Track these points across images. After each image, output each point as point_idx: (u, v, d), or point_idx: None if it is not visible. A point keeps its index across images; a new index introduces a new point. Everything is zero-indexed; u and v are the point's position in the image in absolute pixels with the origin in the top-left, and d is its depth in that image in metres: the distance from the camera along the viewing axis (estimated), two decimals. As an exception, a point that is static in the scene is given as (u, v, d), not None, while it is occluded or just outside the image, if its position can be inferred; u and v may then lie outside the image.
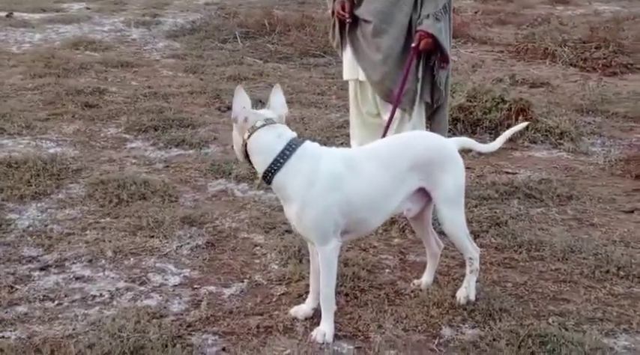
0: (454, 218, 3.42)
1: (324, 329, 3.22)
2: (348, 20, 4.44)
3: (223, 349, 3.15)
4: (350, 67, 4.59)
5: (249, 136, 3.13)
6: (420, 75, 4.39)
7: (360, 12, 4.40)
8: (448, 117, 4.82)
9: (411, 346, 3.21)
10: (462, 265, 3.66)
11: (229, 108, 6.88)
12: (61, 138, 6.09)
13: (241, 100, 3.15)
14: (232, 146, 3.37)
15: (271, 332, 3.28)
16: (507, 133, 3.73)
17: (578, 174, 5.65)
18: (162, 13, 13.37)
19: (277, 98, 3.26)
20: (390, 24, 4.31)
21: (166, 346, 3.07)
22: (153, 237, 4.23)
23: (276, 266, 3.95)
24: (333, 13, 4.53)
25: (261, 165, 3.14)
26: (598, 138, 6.63)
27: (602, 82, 8.49)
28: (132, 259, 3.98)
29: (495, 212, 4.71)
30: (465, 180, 3.45)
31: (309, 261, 3.79)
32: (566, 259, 4.09)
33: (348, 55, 4.57)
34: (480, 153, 5.21)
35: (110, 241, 4.14)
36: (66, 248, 4.07)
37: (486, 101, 6.57)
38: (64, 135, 6.16)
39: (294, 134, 3.21)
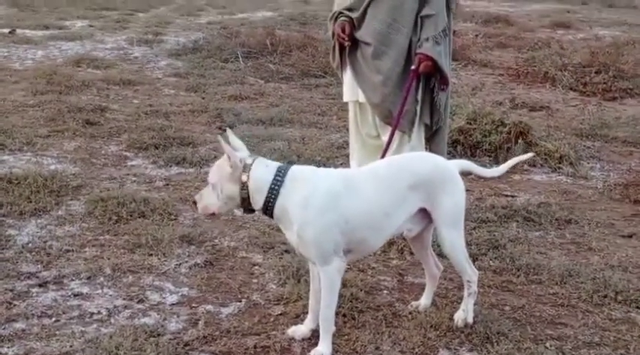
0: (454, 240, 3.42)
1: (322, 350, 3.21)
2: (347, 43, 4.45)
3: (220, 368, 3.15)
4: (350, 89, 4.61)
5: (248, 177, 3.10)
6: (419, 97, 4.41)
7: (360, 34, 4.43)
8: (447, 139, 4.83)
9: (408, 368, 3.21)
10: (460, 288, 3.66)
11: (230, 127, 6.96)
12: (61, 154, 6.11)
13: (228, 146, 3.11)
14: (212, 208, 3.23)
15: (268, 352, 3.27)
16: (513, 161, 3.73)
17: (577, 198, 5.66)
18: (165, 31, 13.47)
19: (237, 140, 3.22)
20: (390, 46, 4.34)
21: (163, 365, 3.08)
22: (152, 255, 4.23)
23: (274, 286, 3.94)
24: (333, 35, 4.55)
25: (259, 202, 3.13)
26: (597, 162, 6.66)
27: (601, 106, 8.56)
28: (130, 277, 3.98)
29: (494, 235, 4.71)
30: (465, 202, 3.46)
31: (307, 281, 3.80)
32: (564, 283, 4.09)
33: (348, 77, 4.60)
34: (479, 177, 5.22)
35: (109, 258, 4.15)
36: (65, 265, 4.07)
37: (486, 124, 6.60)
38: (64, 152, 6.18)
39: (275, 163, 3.21)
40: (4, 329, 3.37)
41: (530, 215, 5.10)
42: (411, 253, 4.12)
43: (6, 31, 12.59)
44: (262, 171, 3.12)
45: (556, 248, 4.64)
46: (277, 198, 3.10)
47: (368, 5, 4.36)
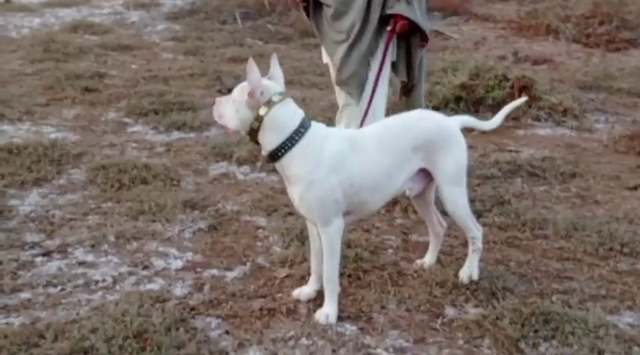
0: (456, 197, 3.39)
1: (328, 311, 3.21)
2: (301, 4, 4.41)
3: (226, 332, 3.13)
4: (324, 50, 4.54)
5: (267, 112, 3.01)
6: (394, 57, 4.33)
7: None
8: (424, 97, 4.73)
9: (414, 326, 3.20)
10: (465, 244, 3.65)
11: (230, 90, 6.89)
12: (61, 123, 6.07)
13: (255, 72, 2.99)
14: (225, 119, 3.14)
15: (274, 314, 3.27)
16: (507, 109, 3.65)
17: (582, 151, 5.62)
18: (162, -6, 13.31)
19: (277, 68, 3.16)
20: (350, 6, 4.23)
21: (169, 329, 3.06)
22: (155, 221, 4.22)
23: (278, 249, 3.94)
24: None
25: (272, 142, 3.05)
26: (602, 114, 6.61)
27: (605, 57, 8.46)
28: (134, 244, 3.97)
29: (498, 191, 4.69)
30: (467, 159, 3.41)
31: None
32: (570, 237, 4.07)
33: (321, 39, 4.51)
34: (482, 132, 5.18)
35: (112, 226, 4.13)
36: (68, 233, 4.06)
37: (489, 79, 6.54)
38: (64, 121, 6.14)
39: (302, 111, 3.15)
40: (10, 299, 3.37)
41: (535, 170, 5.08)
42: (415, 212, 4.10)
43: (1, -1, 12.48)
44: (287, 114, 3.05)
45: (561, 202, 4.62)
46: (292, 148, 3.04)
47: None
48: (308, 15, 4.50)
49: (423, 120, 3.42)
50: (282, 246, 3.97)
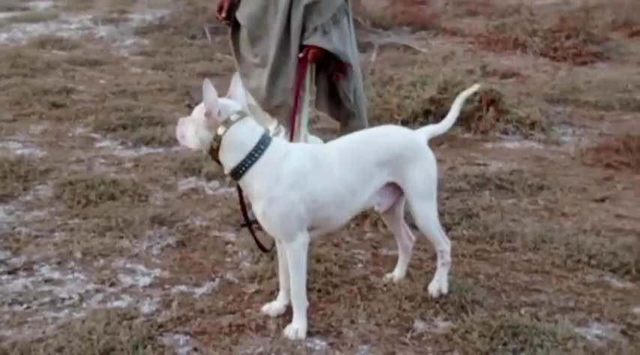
0: (427, 212, 3.38)
1: (297, 326, 3.20)
2: (223, 22, 4.27)
3: (195, 349, 3.11)
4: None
5: (225, 131, 3.03)
6: (310, 86, 4.20)
7: (238, 15, 4.21)
8: (419, 109, 4.67)
9: (384, 340, 3.20)
10: (435, 258, 3.65)
11: (197, 103, 6.87)
12: (28, 139, 6.00)
13: (212, 93, 3.01)
14: (186, 140, 3.19)
15: (244, 330, 3.25)
16: (458, 102, 3.59)
17: (550, 164, 5.67)
18: (130, 9, 13.22)
19: (238, 87, 3.18)
20: (265, 30, 4.11)
21: (137, 347, 3.03)
22: (122, 237, 4.18)
23: (247, 264, 3.91)
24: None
25: (232, 161, 3.06)
26: (569, 127, 6.67)
27: (572, 71, 8.56)
28: (101, 260, 3.92)
29: (467, 204, 4.71)
30: (436, 173, 3.41)
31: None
32: (538, 249, 4.10)
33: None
34: (451, 146, 5.20)
35: (79, 242, 4.08)
36: (34, 250, 4.00)
37: (457, 93, 6.52)
38: (31, 136, 6.07)
39: (262, 128, 3.16)
40: (-27, 318, 3.32)
41: (503, 182, 5.11)
42: (384, 226, 4.10)
43: (-33, 14, 12.33)
44: (245, 132, 3.05)
45: (529, 214, 4.65)
46: (252, 165, 3.04)
47: None
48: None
49: (388, 134, 3.42)
50: (251, 261, 3.95)
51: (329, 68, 4.13)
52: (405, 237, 3.66)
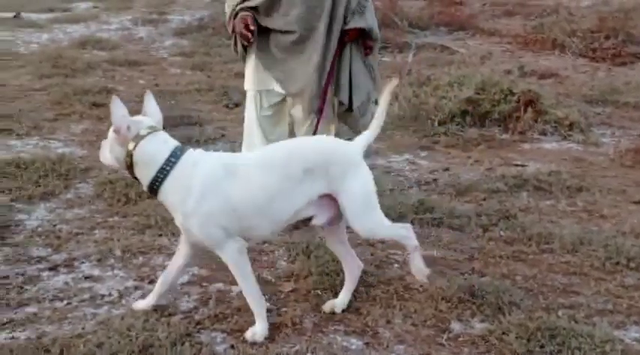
0: (371, 225, 3.16)
1: (255, 329, 3.16)
2: (252, 39, 4.14)
3: (232, 346, 3.13)
4: (259, 78, 4.32)
5: (135, 146, 2.99)
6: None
7: (275, 23, 4.14)
8: (456, 110, 4.62)
9: (420, 341, 3.19)
10: (471, 259, 3.64)
11: (237, 104, 6.93)
12: (69, 138, 6.11)
13: (120, 109, 2.98)
14: (106, 160, 3.16)
15: (280, 328, 3.27)
16: (385, 100, 3.28)
17: (588, 165, 5.62)
18: (169, 10, 13.40)
19: (151, 104, 3.15)
20: (311, 30, 4.09)
21: (175, 344, 3.06)
22: (161, 235, 4.23)
23: (284, 263, 3.93)
24: (233, 30, 4.20)
25: (146, 176, 3.02)
26: (608, 128, 6.60)
27: (611, 71, 8.45)
28: (140, 258, 3.97)
29: (505, 205, 4.69)
30: (373, 183, 3.18)
31: (317, 257, 3.81)
32: (576, 251, 4.06)
33: (253, 64, 4.32)
34: (489, 147, 5.17)
35: (119, 240, 4.14)
36: (75, 247, 4.07)
37: (495, 93, 6.55)
38: (72, 135, 6.18)
39: (176, 142, 3.11)
40: (16, 313, 3.37)
41: (541, 184, 5.07)
42: (420, 226, 4.09)
43: (11, 15, 12.55)
44: (156, 146, 3.01)
45: (567, 216, 4.61)
46: (165, 179, 3.00)
47: None
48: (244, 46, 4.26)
49: (317, 142, 3.31)
50: (287, 260, 3.97)
51: (356, 46, 4.20)
52: (351, 263, 3.43)
